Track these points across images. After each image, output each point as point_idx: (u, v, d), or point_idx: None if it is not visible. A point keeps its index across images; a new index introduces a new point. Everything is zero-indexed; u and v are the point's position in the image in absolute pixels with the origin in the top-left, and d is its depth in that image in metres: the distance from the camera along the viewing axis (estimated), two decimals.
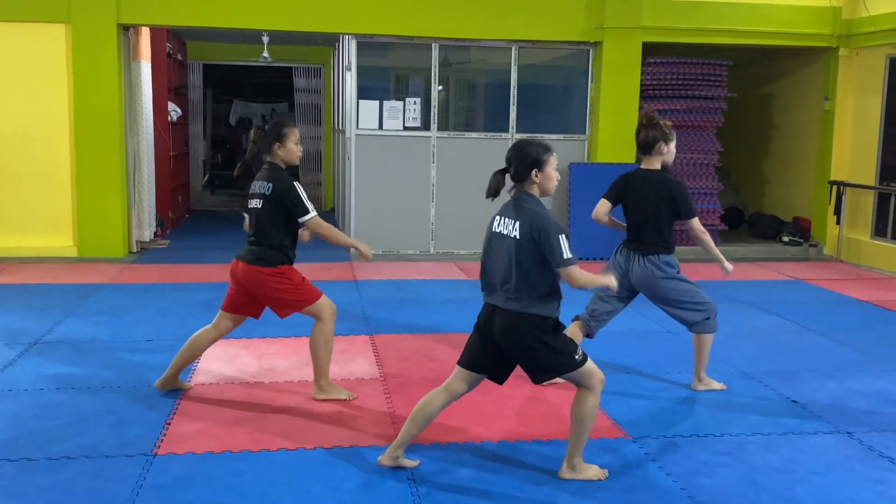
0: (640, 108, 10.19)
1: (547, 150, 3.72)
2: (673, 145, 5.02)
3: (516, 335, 3.65)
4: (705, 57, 10.46)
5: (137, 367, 5.41)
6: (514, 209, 3.73)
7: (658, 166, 5.02)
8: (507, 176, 3.76)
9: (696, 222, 5.04)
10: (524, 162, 3.69)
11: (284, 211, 4.60)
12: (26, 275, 8.34)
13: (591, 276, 3.67)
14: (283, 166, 4.71)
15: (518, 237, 3.65)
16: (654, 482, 3.86)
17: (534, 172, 3.68)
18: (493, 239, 3.77)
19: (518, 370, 3.90)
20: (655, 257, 4.94)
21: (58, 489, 3.65)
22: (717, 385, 5.21)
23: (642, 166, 5.06)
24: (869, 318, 7.30)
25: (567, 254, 3.57)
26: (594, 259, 9.92)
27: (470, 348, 3.83)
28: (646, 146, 4.99)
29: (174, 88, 12.17)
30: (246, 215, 4.76)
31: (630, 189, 5.02)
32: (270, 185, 4.61)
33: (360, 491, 3.70)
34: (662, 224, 4.96)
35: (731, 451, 4.23)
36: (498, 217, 3.79)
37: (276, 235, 4.63)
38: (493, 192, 3.73)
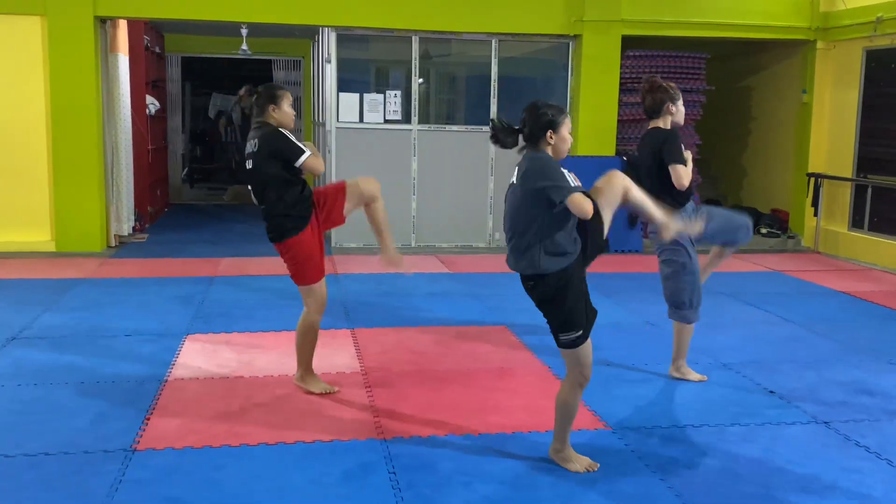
0: (620, 101, 10.24)
1: (562, 111, 3.70)
2: (681, 104, 5.13)
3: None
4: (684, 50, 10.51)
5: (116, 362, 5.38)
6: (522, 160, 3.73)
7: (668, 126, 4.99)
8: (520, 137, 3.72)
9: (677, 169, 4.87)
10: (539, 123, 3.66)
11: (278, 163, 4.50)
12: (3, 269, 8.26)
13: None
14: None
15: (513, 183, 3.72)
16: (633, 473, 3.88)
17: (549, 134, 3.65)
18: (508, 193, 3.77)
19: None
20: None
21: (36, 485, 3.63)
22: (694, 376, 5.24)
23: (652, 125, 5.08)
24: (846, 309, 7.38)
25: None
26: None
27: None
28: (653, 110, 5.05)
29: (152, 81, 12.07)
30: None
31: (638, 151, 5.07)
32: (256, 140, 4.55)
33: (341, 484, 3.70)
34: (662, 177, 4.88)
35: (710, 442, 4.27)
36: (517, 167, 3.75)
37: (275, 193, 4.53)
38: (497, 140, 3.70)
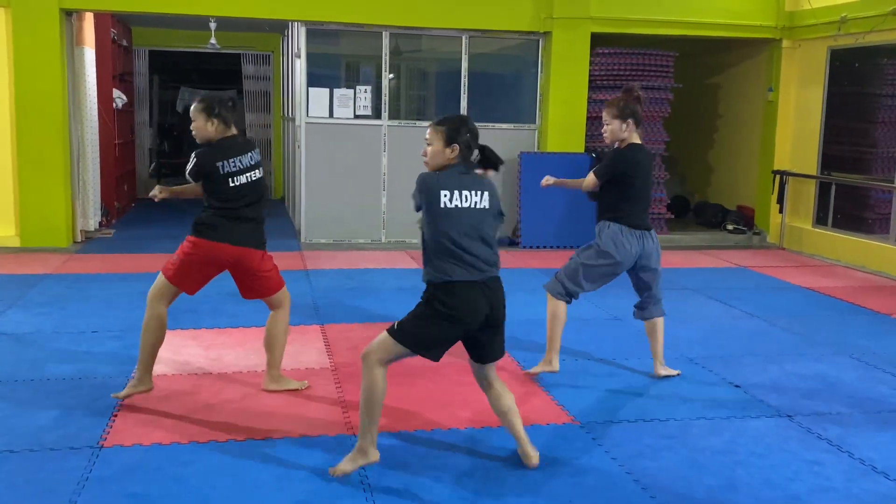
0: (589, 98, 10.30)
1: None
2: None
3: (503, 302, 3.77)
4: (652, 48, 10.60)
5: (82, 358, 5.33)
6: (475, 181, 3.70)
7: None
8: (472, 156, 3.73)
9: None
10: (476, 138, 3.73)
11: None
12: None
13: None
14: None
15: (488, 207, 3.68)
16: (599, 466, 3.93)
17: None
18: (450, 214, 3.60)
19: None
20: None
21: (0, 483, 3.59)
22: (674, 371, 5.31)
23: (639, 141, 5.02)
24: (810, 304, 7.50)
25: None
26: (543, 247, 10.00)
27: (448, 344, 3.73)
28: (639, 122, 4.98)
29: (119, 75, 11.94)
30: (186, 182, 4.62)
31: (642, 166, 5.00)
32: (254, 153, 4.59)
33: (310, 480, 3.70)
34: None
35: (675, 435, 4.33)
36: (444, 192, 3.60)
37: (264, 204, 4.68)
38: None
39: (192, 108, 4.57)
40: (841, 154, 10.03)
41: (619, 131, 4.94)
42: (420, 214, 3.67)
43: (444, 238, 3.60)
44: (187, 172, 4.52)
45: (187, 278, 4.51)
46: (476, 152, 3.71)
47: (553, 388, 4.98)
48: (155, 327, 4.52)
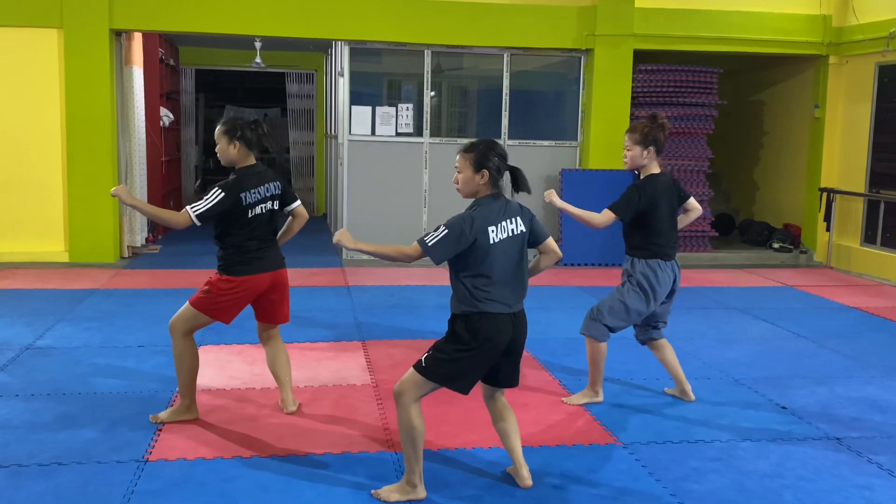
0: (632, 115, 10.25)
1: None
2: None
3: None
4: (696, 64, 10.52)
5: (129, 373, 5.41)
6: (513, 209, 3.70)
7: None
8: (502, 179, 3.70)
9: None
10: (505, 160, 3.70)
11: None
12: (17, 280, 8.32)
13: None
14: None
15: (524, 231, 3.69)
16: (643, 489, 3.88)
17: None
18: (496, 248, 3.58)
19: None
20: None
21: (49, 495, 3.65)
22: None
23: (658, 170, 4.86)
24: (859, 325, 7.35)
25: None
26: (584, 265, 9.95)
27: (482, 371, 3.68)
28: (661, 150, 4.84)
29: (166, 94, 12.17)
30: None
31: (663, 198, 4.82)
32: (278, 183, 4.57)
33: (352, 497, 3.70)
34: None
35: (720, 457, 4.26)
36: (492, 227, 3.58)
37: None
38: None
39: (216, 130, 4.50)
40: (890, 171, 9.84)
41: (639, 158, 4.77)
42: (430, 242, 3.52)
43: (486, 272, 3.56)
44: (199, 213, 4.26)
45: (225, 313, 4.50)
46: (506, 175, 3.67)
47: (596, 409, 4.94)
48: (191, 356, 4.52)
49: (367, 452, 4.17)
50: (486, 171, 3.61)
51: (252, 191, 4.41)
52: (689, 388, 5.16)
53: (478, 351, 3.55)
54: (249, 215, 4.41)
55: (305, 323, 6.78)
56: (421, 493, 3.68)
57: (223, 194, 4.30)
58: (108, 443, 4.23)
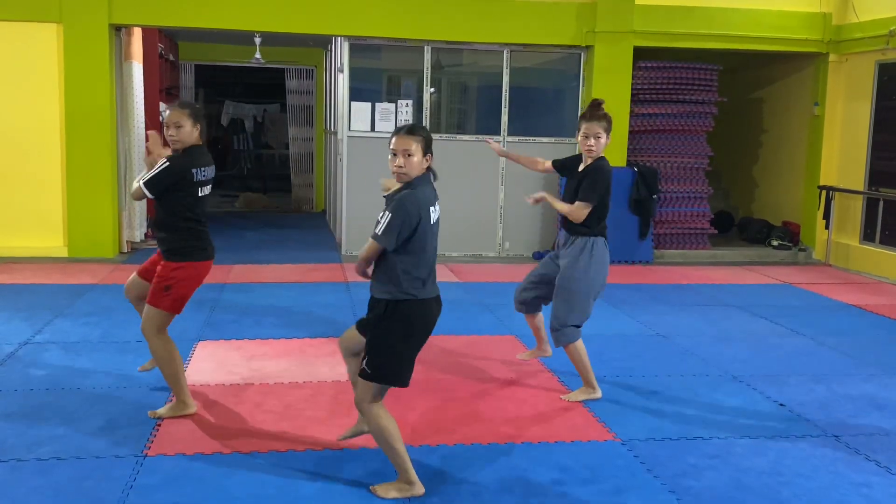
0: (632, 112, 10.25)
1: (392, 133, 3.68)
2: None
3: None
4: (696, 61, 10.52)
5: (127, 367, 5.41)
6: (435, 193, 3.69)
7: None
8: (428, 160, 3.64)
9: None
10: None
11: None
12: (16, 275, 8.32)
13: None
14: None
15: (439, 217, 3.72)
16: (642, 485, 3.88)
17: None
18: (431, 229, 3.61)
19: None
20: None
21: (48, 490, 3.65)
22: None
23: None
24: (857, 323, 7.35)
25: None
26: None
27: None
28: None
29: (166, 89, 12.15)
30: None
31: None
32: (213, 168, 4.56)
33: (349, 493, 3.70)
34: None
35: (718, 454, 4.26)
36: (431, 207, 3.59)
37: None
38: None
39: (172, 111, 4.35)
40: (889, 169, 9.83)
41: (604, 145, 4.87)
42: (384, 233, 3.47)
43: (421, 254, 3.55)
44: (147, 181, 4.27)
45: (183, 303, 4.50)
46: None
47: (594, 405, 4.94)
48: (175, 355, 4.51)
49: (366, 448, 4.18)
50: (430, 156, 3.62)
51: (202, 168, 4.41)
52: (548, 346, 5.48)
53: (415, 339, 3.59)
54: (199, 194, 4.42)
55: (304, 319, 6.78)
56: (419, 489, 3.68)
57: (169, 164, 4.29)
58: (107, 438, 4.23)
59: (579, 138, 4.89)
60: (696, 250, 10.62)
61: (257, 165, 18.97)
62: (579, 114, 10.33)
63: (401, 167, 3.55)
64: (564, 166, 5.19)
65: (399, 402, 4.84)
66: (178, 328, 6.31)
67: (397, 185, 3.63)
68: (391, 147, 3.57)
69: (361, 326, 3.74)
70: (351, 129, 9.98)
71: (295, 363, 5.56)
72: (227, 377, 5.29)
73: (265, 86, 17.74)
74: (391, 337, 3.55)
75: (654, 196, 9.99)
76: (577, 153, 5.10)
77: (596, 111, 4.86)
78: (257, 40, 12.06)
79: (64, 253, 9.40)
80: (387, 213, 3.51)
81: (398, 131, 3.59)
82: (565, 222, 4.92)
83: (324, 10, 9.59)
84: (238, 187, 16.69)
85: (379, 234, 3.49)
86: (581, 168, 4.95)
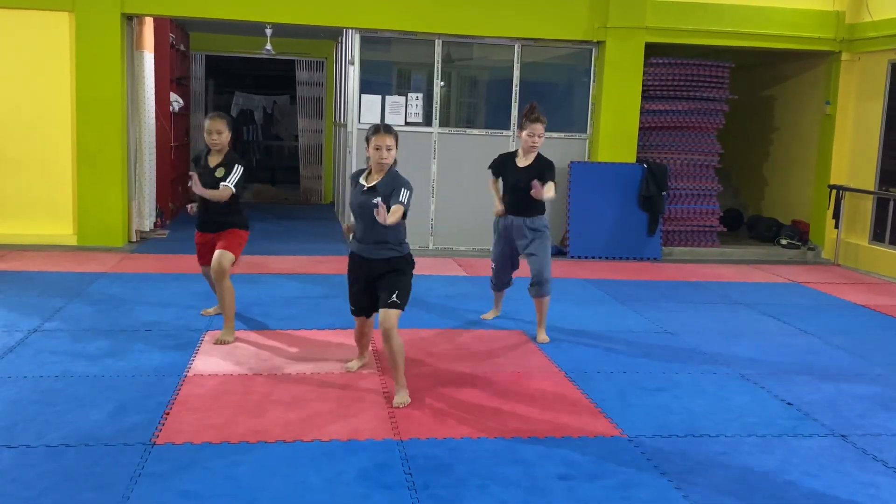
0: (643, 108, 10.22)
1: (373, 131, 4.73)
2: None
3: None
4: (707, 58, 10.48)
5: (136, 356, 5.43)
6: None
7: None
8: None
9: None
10: None
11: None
12: (26, 262, 8.35)
13: None
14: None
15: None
16: (648, 481, 3.88)
17: (366, 148, 4.73)
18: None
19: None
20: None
21: (57, 475, 3.67)
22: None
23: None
24: (865, 323, 7.33)
25: None
26: (591, 258, 9.94)
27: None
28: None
29: (176, 79, 12.17)
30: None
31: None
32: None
33: (357, 483, 3.72)
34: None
35: (726, 452, 4.26)
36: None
37: None
38: None
39: (213, 120, 5.69)
40: None
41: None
42: (408, 203, 4.67)
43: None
44: (235, 183, 5.78)
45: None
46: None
47: (602, 402, 4.95)
48: (233, 291, 5.82)
49: (373, 440, 4.19)
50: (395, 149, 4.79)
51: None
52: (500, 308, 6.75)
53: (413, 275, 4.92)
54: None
55: (312, 310, 6.79)
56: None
57: (243, 167, 5.83)
58: (116, 425, 4.25)
59: (524, 136, 6.03)
60: (704, 248, 10.60)
61: (266, 157, 18.98)
62: (590, 109, 10.39)
63: (385, 159, 4.71)
64: (500, 167, 6.28)
65: (408, 393, 4.85)
66: (186, 318, 6.37)
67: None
68: (376, 143, 4.68)
69: (364, 301, 5.03)
70: (361, 121, 9.97)
71: (303, 354, 5.57)
72: (236, 368, 5.30)
73: (275, 77, 17.72)
74: (409, 277, 4.83)
75: (664, 193, 9.97)
76: (507, 151, 6.46)
77: (538, 114, 6.02)
78: (268, 31, 12.06)
79: (73, 241, 9.44)
80: (403, 189, 4.67)
81: (377, 130, 4.70)
82: (522, 209, 6.01)
83: (336, 2, 9.58)
84: (247, 178, 16.68)
85: (405, 203, 4.64)
86: (531, 162, 6.07)
